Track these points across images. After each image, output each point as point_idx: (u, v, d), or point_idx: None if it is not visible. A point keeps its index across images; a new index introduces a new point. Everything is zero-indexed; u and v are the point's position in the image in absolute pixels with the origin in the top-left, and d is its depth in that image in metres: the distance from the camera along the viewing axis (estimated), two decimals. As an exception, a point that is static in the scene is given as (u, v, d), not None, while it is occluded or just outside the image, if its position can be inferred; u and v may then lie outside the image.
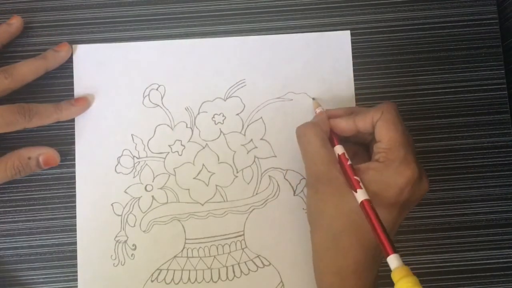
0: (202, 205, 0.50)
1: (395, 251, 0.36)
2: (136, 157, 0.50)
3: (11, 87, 0.48)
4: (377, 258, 0.42)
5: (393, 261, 0.36)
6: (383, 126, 0.42)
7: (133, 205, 0.50)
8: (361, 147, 0.47)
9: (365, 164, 0.42)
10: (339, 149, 0.43)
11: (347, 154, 0.43)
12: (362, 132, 0.44)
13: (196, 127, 0.51)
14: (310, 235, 0.43)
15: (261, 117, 0.51)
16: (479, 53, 0.52)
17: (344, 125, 0.44)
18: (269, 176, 0.50)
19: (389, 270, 0.36)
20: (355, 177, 0.41)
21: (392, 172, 0.41)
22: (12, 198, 0.50)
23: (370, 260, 0.41)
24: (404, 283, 0.34)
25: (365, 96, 0.51)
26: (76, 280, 0.49)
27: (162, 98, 0.51)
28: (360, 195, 0.40)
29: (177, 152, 0.50)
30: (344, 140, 0.45)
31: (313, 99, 0.50)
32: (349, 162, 0.42)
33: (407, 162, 0.41)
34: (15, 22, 0.51)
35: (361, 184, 0.40)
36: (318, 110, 0.48)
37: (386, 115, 0.42)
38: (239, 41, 0.52)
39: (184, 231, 0.49)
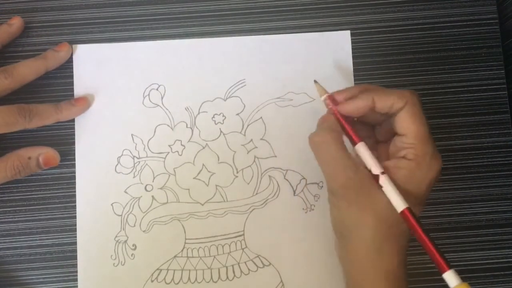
0: (202, 205, 0.50)
1: (450, 267, 0.36)
2: (136, 157, 0.50)
3: (11, 87, 0.48)
4: (405, 267, 0.41)
5: (452, 278, 0.36)
6: (407, 119, 0.40)
7: (133, 205, 0.50)
8: (367, 126, 0.45)
9: (393, 162, 0.40)
10: (362, 148, 0.41)
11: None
12: (377, 114, 0.42)
13: (196, 127, 0.51)
14: (341, 246, 0.42)
15: (261, 117, 0.51)
16: (479, 53, 0.52)
17: (362, 104, 0.41)
18: (269, 176, 0.50)
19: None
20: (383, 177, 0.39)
21: (425, 169, 0.39)
22: (12, 198, 0.50)
23: (406, 259, 0.41)
24: None
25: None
26: (76, 280, 0.49)
27: (162, 98, 0.51)
28: (399, 204, 0.38)
29: (177, 152, 0.50)
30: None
31: (315, 81, 0.45)
32: (380, 170, 0.40)
33: (436, 156, 0.40)
34: (16, 23, 0.51)
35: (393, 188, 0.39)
36: (323, 98, 0.44)
37: (412, 108, 0.40)
38: (239, 41, 0.52)
39: (184, 231, 0.49)
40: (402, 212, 0.38)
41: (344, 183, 0.40)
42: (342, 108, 0.42)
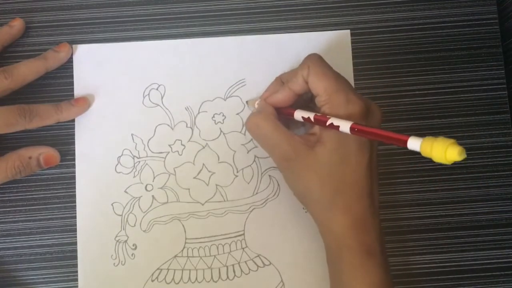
0: (202, 204, 0.50)
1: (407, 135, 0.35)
2: (136, 157, 0.50)
3: (11, 87, 0.48)
4: (374, 209, 0.42)
5: (414, 140, 0.34)
6: (314, 79, 0.42)
7: (133, 205, 0.50)
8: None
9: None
10: (298, 114, 0.44)
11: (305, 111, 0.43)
12: (302, 93, 0.45)
13: (196, 126, 0.51)
14: (307, 210, 0.44)
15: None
16: (479, 53, 0.52)
17: (282, 97, 0.45)
18: (269, 175, 0.50)
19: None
20: (328, 117, 0.41)
21: (345, 117, 0.40)
22: (12, 198, 0.50)
23: (370, 208, 0.42)
24: (439, 144, 0.33)
25: (365, 96, 0.51)
26: (76, 280, 0.49)
27: (162, 97, 0.51)
28: (345, 126, 0.39)
29: (177, 151, 0.50)
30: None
31: (246, 102, 0.51)
32: (313, 115, 0.42)
33: (351, 102, 0.41)
34: (17, 24, 0.51)
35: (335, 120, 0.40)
36: (256, 103, 0.48)
37: (314, 68, 0.42)
38: (239, 41, 0.52)
39: (184, 231, 0.49)
40: (351, 129, 0.39)
41: (282, 155, 0.43)
42: (269, 101, 0.46)
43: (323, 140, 0.42)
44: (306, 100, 0.46)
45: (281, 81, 0.47)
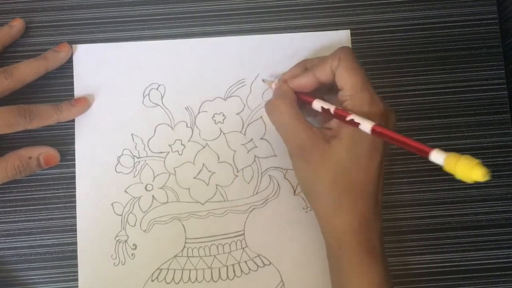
0: (203, 204, 0.50)
1: (432, 147, 0.36)
2: (136, 157, 0.50)
3: (11, 87, 0.48)
4: (378, 209, 0.43)
5: (438, 154, 0.35)
6: (343, 73, 0.42)
7: (134, 205, 0.50)
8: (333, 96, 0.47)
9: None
10: (317, 103, 0.44)
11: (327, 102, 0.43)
12: (326, 83, 0.44)
13: (196, 126, 0.51)
14: (310, 203, 0.44)
15: (261, 117, 0.51)
16: (479, 53, 0.53)
17: (305, 82, 0.45)
18: (269, 175, 0.50)
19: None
20: (349, 113, 0.41)
21: (366, 117, 0.40)
22: (12, 198, 0.50)
23: (376, 210, 0.42)
24: (464, 163, 0.34)
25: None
26: (76, 280, 0.49)
27: (162, 97, 0.51)
28: (367, 125, 0.39)
29: (177, 151, 0.50)
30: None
31: (263, 81, 0.51)
32: (333, 108, 0.42)
33: (374, 103, 0.41)
34: (17, 25, 0.51)
35: (355, 117, 0.40)
36: (274, 84, 0.48)
37: (345, 62, 0.42)
38: (239, 41, 0.52)
39: (185, 231, 0.49)
40: (372, 129, 0.39)
41: (298, 144, 0.43)
42: (290, 85, 0.46)
43: (341, 136, 0.41)
44: (322, 91, 0.46)
45: (305, 66, 0.46)
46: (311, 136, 0.42)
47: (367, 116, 0.40)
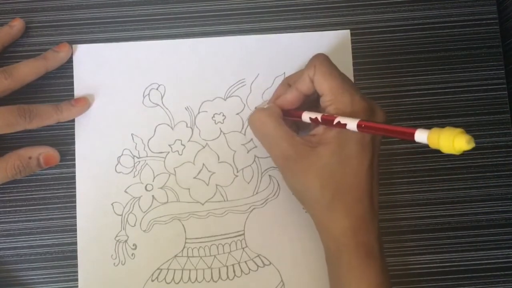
0: (203, 204, 0.50)
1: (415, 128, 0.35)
2: (136, 157, 0.50)
3: (11, 87, 0.48)
4: (374, 210, 0.42)
5: (421, 133, 0.34)
6: (320, 79, 0.42)
7: (133, 205, 0.50)
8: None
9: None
10: (306, 115, 0.44)
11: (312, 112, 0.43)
12: (309, 93, 0.45)
13: (196, 126, 0.51)
14: (306, 209, 0.45)
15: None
16: (479, 53, 0.53)
17: (291, 98, 0.45)
18: (269, 175, 0.50)
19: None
20: (335, 116, 0.41)
21: (348, 116, 0.40)
22: (12, 198, 0.50)
23: (369, 210, 0.42)
24: (447, 134, 0.32)
25: (365, 96, 0.51)
26: (76, 280, 0.49)
27: (162, 97, 0.51)
28: (352, 123, 0.39)
29: (177, 151, 0.50)
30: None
31: (255, 108, 0.50)
32: (320, 115, 0.42)
33: (356, 102, 0.41)
34: (17, 25, 0.51)
35: (340, 118, 0.40)
36: (266, 105, 0.48)
37: (320, 68, 0.42)
38: (239, 41, 0.52)
39: (185, 231, 0.49)
40: (358, 125, 0.39)
41: (282, 154, 0.43)
42: (277, 103, 0.46)
43: (326, 141, 0.42)
44: (313, 102, 0.46)
45: (288, 83, 0.47)
46: (294, 145, 0.42)
47: (351, 116, 0.40)
